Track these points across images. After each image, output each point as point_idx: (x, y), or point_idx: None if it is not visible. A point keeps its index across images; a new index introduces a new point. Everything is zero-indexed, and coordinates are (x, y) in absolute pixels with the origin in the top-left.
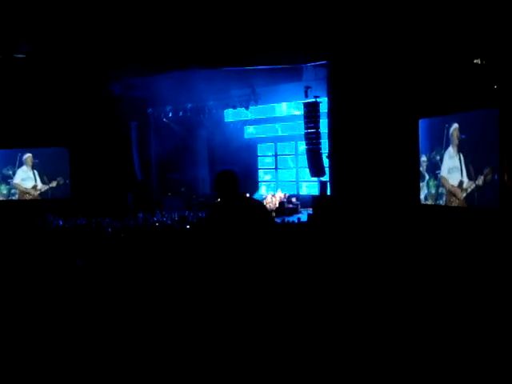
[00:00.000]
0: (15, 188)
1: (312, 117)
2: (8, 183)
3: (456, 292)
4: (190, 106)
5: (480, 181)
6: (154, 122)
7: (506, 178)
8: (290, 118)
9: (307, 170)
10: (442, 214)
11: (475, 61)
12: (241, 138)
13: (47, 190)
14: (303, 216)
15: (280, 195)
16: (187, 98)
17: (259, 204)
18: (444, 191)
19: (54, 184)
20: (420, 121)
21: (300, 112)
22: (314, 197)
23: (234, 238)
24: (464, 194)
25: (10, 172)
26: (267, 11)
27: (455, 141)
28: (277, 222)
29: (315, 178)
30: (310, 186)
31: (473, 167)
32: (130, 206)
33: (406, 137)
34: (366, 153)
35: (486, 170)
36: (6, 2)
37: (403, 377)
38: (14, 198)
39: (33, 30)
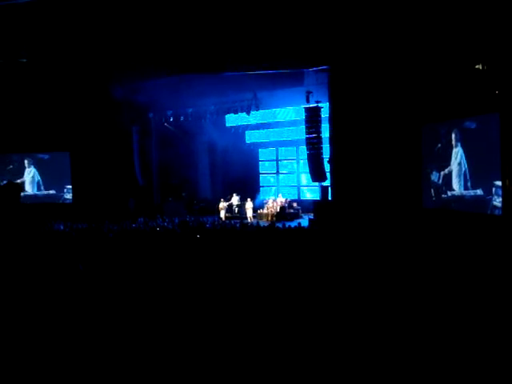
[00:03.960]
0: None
1: (313, 122)
2: None
3: (458, 296)
4: (191, 110)
5: (483, 186)
6: (155, 126)
7: (507, 182)
8: (292, 122)
9: (308, 175)
10: (445, 219)
11: (476, 66)
12: (242, 142)
13: (49, 195)
14: (304, 221)
15: (281, 200)
16: (188, 102)
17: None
18: (447, 196)
19: (55, 189)
20: (422, 126)
21: (301, 117)
22: (315, 201)
23: None
24: (467, 199)
25: (11, 177)
26: (269, 17)
27: (458, 145)
28: (279, 227)
29: (316, 183)
30: (311, 191)
31: (476, 172)
32: (131, 211)
33: (407, 142)
34: (368, 158)
35: (489, 174)
36: (8, 8)
37: (403, 377)
38: None
39: (35, 35)
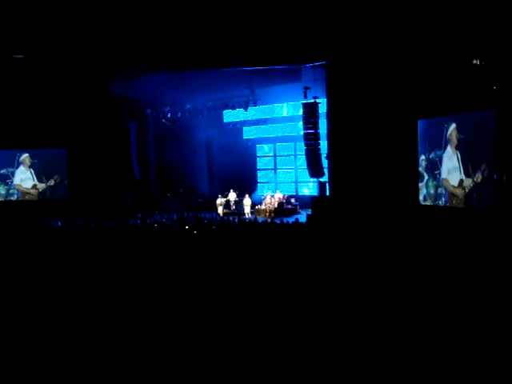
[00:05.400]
0: (16, 189)
1: (311, 117)
2: (6, 184)
3: (454, 291)
4: (188, 106)
5: (478, 177)
6: (152, 122)
7: (504, 177)
8: (289, 118)
9: (306, 171)
10: (441, 215)
11: (474, 61)
12: (240, 138)
13: (45, 189)
14: (302, 217)
15: (279, 196)
16: (186, 98)
17: None
18: (443, 191)
19: (51, 182)
20: (419, 121)
21: (299, 113)
22: (312, 197)
23: None
24: (464, 193)
25: (9, 173)
26: (266, 13)
27: (454, 141)
28: (276, 223)
29: (314, 179)
30: (308, 187)
31: (471, 165)
32: (128, 207)
33: (404, 137)
34: (365, 153)
35: (483, 166)
36: (5, 3)
37: (403, 377)
38: (12, 198)
39: (32, 32)
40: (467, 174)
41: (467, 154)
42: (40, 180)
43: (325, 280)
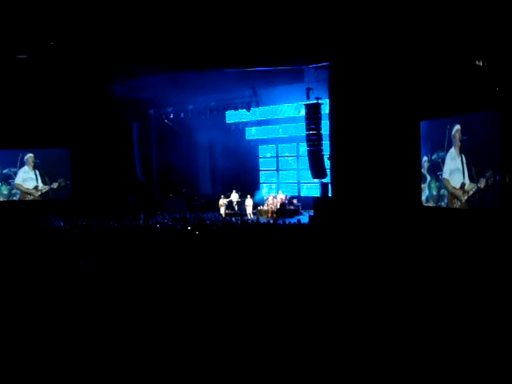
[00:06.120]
0: (17, 188)
1: (313, 118)
2: (9, 184)
3: (457, 292)
4: (191, 107)
5: (482, 183)
6: (155, 123)
7: (507, 179)
8: (292, 119)
9: (309, 172)
10: (444, 216)
11: (477, 63)
12: (242, 139)
13: (48, 191)
14: (304, 218)
15: (281, 197)
16: (188, 99)
17: None
18: (446, 193)
19: (55, 185)
20: (421, 123)
21: (302, 114)
22: (315, 198)
23: None
24: (466, 196)
25: (11, 173)
26: (269, 13)
27: (457, 142)
28: (279, 224)
29: (317, 180)
30: (311, 188)
31: (475, 169)
32: (131, 207)
33: (407, 139)
34: (368, 155)
35: (488, 174)
36: (8, 4)
37: (403, 377)
38: (14, 198)
39: (35, 32)
40: (471, 179)
41: (471, 156)
42: (44, 182)
43: (327, 281)
